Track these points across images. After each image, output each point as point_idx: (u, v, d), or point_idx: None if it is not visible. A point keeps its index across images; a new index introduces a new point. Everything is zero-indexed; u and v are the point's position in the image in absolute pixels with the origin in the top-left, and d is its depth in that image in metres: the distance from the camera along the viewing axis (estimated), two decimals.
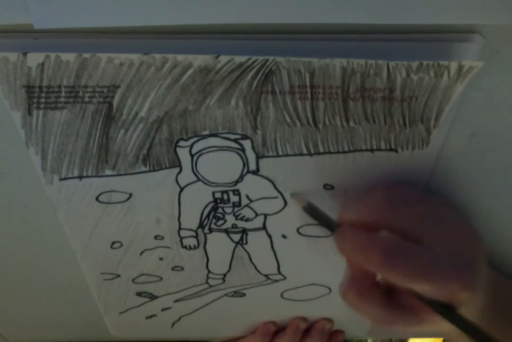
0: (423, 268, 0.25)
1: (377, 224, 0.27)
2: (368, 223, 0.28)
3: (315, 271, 0.40)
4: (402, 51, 0.26)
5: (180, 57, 0.25)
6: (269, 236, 0.37)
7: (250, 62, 0.26)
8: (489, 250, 0.36)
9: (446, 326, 0.26)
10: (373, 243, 0.26)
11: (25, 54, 0.25)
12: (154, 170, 0.32)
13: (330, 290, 0.42)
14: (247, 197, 0.34)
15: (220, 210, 0.35)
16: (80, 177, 0.32)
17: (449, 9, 0.24)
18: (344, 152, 0.31)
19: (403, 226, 0.27)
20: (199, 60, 0.26)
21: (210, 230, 0.37)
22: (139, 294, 0.43)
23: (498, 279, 0.34)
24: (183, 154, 0.31)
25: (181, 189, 0.33)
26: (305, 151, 0.31)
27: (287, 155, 0.31)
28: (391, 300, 0.28)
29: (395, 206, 0.28)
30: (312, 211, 0.33)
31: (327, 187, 0.33)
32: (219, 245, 0.38)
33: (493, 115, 0.29)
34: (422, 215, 0.28)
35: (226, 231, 0.37)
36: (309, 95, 0.27)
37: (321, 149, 0.31)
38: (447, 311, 0.26)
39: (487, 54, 0.26)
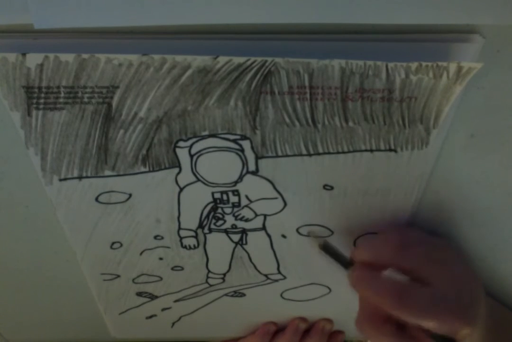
0: (429, 308, 0.28)
1: (388, 263, 0.30)
2: (380, 262, 0.30)
3: (315, 270, 0.40)
4: (402, 51, 0.26)
5: (178, 58, 0.25)
6: (269, 236, 0.37)
7: (249, 63, 0.26)
8: (493, 256, 0.36)
9: None
10: (387, 285, 0.29)
11: (24, 54, 0.25)
12: (153, 170, 0.32)
13: (330, 290, 0.42)
14: (247, 197, 0.34)
15: (219, 210, 0.35)
16: (80, 177, 0.32)
17: (449, 9, 0.24)
18: (343, 152, 0.31)
19: (412, 267, 0.30)
20: (198, 61, 0.25)
21: (210, 230, 0.37)
22: (139, 294, 0.43)
23: (497, 310, 0.36)
24: (183, 154, 0.31)
25: (181, 189, 0.33)
26: (304, 151, 0.31)
27: (287, 155, 0.31)
28: (402, 332, 0.30)
29: (406, 249, 0.31)
30: (328, 249, 0.35)
31: (327, 187, 0.33)
32: (219, 245, 0.38)
33: (493, 115, 0.29)
34: (429, 257, 0.30)
35: (226, 231, 0.37)
36: (308, 95, 0.27)
37: (320, 150, 0.31)
38: None
39: (487, 54, 0.26)
